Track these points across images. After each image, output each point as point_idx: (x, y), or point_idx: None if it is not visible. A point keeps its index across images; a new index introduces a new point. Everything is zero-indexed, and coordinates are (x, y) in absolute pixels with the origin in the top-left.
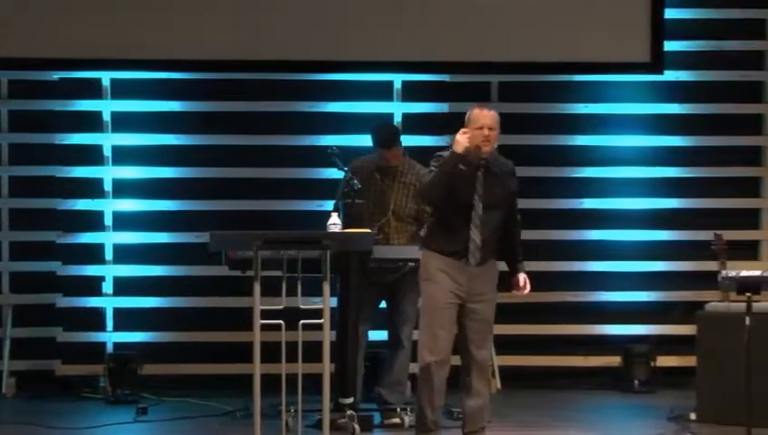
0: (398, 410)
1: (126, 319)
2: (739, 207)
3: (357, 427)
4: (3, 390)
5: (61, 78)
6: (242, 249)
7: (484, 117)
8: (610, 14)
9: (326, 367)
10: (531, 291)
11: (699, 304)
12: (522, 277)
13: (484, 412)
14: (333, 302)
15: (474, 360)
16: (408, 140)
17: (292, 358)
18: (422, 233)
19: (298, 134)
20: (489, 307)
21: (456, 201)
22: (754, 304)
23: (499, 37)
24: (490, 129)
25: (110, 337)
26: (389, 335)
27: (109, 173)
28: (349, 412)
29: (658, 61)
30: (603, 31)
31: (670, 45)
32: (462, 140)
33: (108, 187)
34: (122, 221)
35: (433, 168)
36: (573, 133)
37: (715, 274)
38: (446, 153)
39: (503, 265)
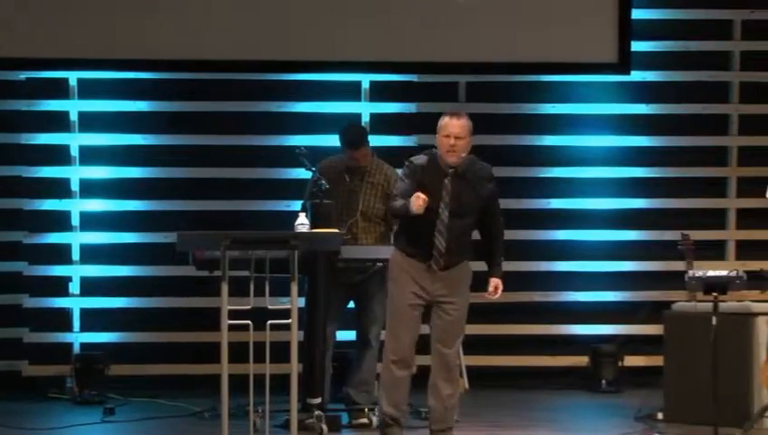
0: (366, 410)
1: (93, 319)
2: (706, 208)
3: (325, 427)
4: None
5: (27, 78)
6: (209, 249)
7: (452, 126)
8: (578, 14)
9: (294, 367)
10: (509, 290)
11: (666, 304)
12: (492, 283)
13: (450, 412)
14: (301, 302)
15: (440, 359)
16: (375, 141)
17: (259, 358)
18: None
19: (266, 134)
20: (456, 308)
21: (429, 209)
22: (721, 304)
23: (467, 37)
24: (457, 138)
25: (77, 338)
26: (357, 335)
27: (76, 173)
28: (316, 413)
29: (626, 61)
30: (571, 31)
31: (637, 46)
32: (416, 207)
33: (75, 187)
34: (89, 221)
35: (404, 177)
36: (541, 133)
37: (681, 274)
38: (416, 158)
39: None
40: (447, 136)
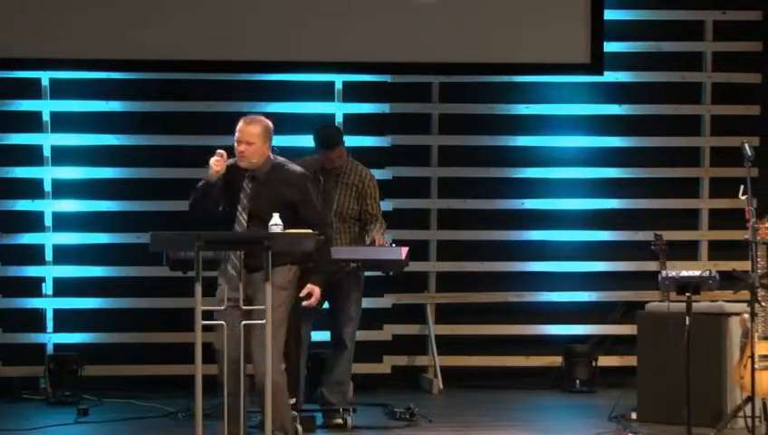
0: (341, 410)
1: (66, 320)
2: (679, 208)
3: (299, 428)
4: None
5: None
6: (183, 250)
7: (242, 133)
8: (551, 15)
9: (268, 368)
10: (483, 291)
11: (640, 304)
12: (306, 288)
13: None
14: None
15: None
16: (349, 141)
17: None
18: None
19: None
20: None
21: (229, 211)
22: (694, 304)
23: (440, 38)
24: (247, 144)
25: (51, 338)
26: (332, 336)
27: (48, 173)
28: (291, 413)
29: (598, 62)
30: (544, 32)
31: (610, 46)
32: (211, 168)
33: (48, 187)
34: (62, 222)
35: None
36: (514, 134)
37: (655, 274)
38: (230, 160)
39: None
40: (239, 142)
